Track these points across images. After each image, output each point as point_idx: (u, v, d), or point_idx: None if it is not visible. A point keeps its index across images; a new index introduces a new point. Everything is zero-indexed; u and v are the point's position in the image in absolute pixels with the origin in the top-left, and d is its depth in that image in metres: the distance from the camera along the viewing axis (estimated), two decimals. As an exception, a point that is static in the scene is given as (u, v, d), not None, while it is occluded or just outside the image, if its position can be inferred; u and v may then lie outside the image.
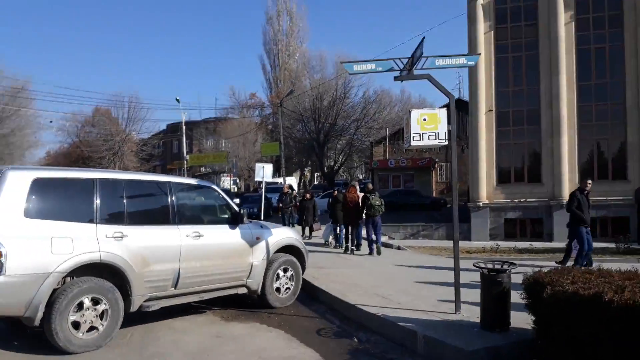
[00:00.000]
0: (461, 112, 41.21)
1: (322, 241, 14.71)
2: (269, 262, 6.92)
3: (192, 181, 6.83)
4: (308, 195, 16.42)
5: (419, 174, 38.60)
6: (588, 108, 20.57)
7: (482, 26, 21.44)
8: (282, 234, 7.31)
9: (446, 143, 5.87)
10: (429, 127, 5.74)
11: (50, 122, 48.95)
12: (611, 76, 20.37)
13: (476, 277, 5.76)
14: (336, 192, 14.40)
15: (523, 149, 21.42)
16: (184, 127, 48.20)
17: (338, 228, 13.78)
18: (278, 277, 7.04)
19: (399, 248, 14.71)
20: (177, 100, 44.74)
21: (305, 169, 61.33)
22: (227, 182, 53.64)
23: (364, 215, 12.43)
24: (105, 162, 49.99)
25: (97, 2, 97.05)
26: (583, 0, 20.95)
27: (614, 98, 20.30)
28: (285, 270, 7.14)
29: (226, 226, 6.54)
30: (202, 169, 63.96)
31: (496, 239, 20.81)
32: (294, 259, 7.33)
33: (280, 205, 18.18)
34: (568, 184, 20.21)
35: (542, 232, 20.64)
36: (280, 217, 18.19)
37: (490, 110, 21.37)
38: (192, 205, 6.50)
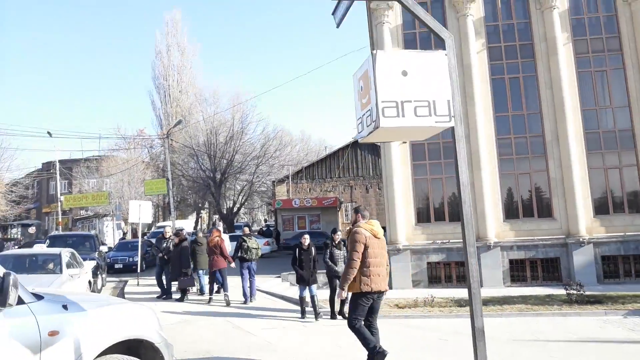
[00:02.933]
0: (363, 151, 40.08)
1: (202, 298, 13.07)
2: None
3: None
4: (176, 240, 12.82)
5: (325, 214, 36.22)
6: (507, 141, 19.17)
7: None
8: (112, 319, 3.82)
9: (451, 124, 2.93)
10: (413, 88, 2.76)
11: None
12: (527, 108, 19.22)
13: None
14: (199, 234, 13.72)
15: (442, 184, 19.45)
16: (57, 164, 42.36)
17: (201, 273, 13.15)
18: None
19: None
20: (48, 133, 38.83)
21: (202, 211, 56.68)
22: (109, 226, 47.44)
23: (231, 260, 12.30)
24: (-33, 208, 42.30)
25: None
26: (493, 29, 19.92)
27: (532, 130, 19.09)
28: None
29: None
30: (82, 212, 56.84)
31: (419, 286, 18.38)
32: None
33: (161, 255, 13.83)
34: (493, 222, 18.40)
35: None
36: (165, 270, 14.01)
37: (404, 142, 19.26)
38: None
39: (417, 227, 19.08)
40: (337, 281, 9.85)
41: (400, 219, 18.84)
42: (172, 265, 12.98)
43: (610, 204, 18.59)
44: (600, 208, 18.55)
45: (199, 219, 52.83)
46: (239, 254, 12.10)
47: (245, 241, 12.02)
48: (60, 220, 42.04)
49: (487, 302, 13.47)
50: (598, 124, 18.62)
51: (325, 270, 10.96)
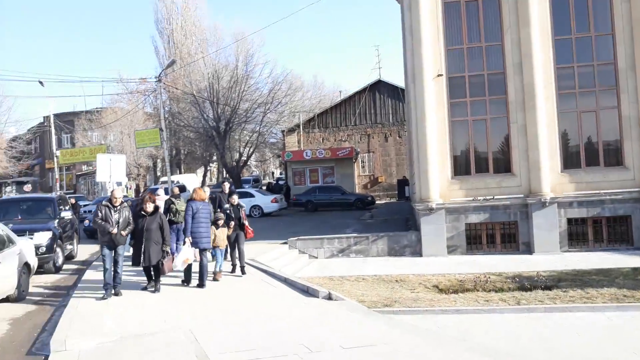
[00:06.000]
0: (383, 95, 36.10)
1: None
2: None
3: None
4: (149, 206, 8.77)
5: (340, 166, 32.82)
6: (569, 71, 15.33)
7: (421, -34, 15.51)
8: None
9: None
10: None
11: None
12: (596, 27, 15.23)
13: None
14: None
15: (485, 127, 15.81)
16: (51, 117, 39.41)
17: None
18: None
19: (329, 298, 8.20)
20: (40, 83, 35.33)
21: (211, 165, 53.69)
22: (110, 182, 44.81)
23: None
24: (-36, 164, 40.26)
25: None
26: None
27: (601, 56, 15.19)
28: None
29: None
30: (85, 168, 54.15)
31: (455, 252, 15.15)
32: None
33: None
34: (549, 173, 14.85)
35: (516, 240, 15.15)
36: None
37: (440, 75, 15.55)
38: None
39: (453, 181, 15.61)
40: None
41: (433, 171, 15.36)
42: (146, 242, 9.05)
43: (697, 147, 14.87)
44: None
45: (208, 173, 49.86)
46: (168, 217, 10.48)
47: (173, 202, 11.06)
48: (57, 177, 39.39)
49: (559, 280, 10.17)
50: (691, 45, 14.66)
51: None
